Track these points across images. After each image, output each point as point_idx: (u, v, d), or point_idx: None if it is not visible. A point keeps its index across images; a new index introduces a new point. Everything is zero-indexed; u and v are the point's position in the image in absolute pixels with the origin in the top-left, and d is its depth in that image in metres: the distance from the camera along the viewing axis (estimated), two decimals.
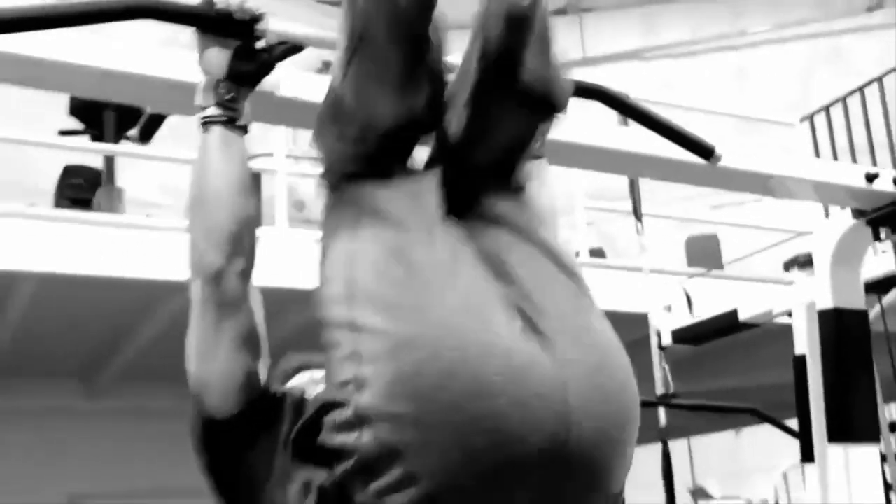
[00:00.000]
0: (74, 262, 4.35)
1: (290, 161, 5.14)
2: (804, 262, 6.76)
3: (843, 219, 2.75)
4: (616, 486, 1.41)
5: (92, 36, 1.76)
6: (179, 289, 4.60)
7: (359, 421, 1.31)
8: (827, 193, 2.66)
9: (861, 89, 6.41)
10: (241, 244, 1.59)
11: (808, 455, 3.17)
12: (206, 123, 1.64)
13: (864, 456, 2.74)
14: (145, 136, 1.88)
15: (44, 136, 5.49)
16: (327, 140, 1.56)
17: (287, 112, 1.92)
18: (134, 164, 6.47)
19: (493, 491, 1.30)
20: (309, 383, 1.72)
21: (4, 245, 4.16)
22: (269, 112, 1.87)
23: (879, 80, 6.30)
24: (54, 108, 5.86)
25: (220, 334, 1.57)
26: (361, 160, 1.51)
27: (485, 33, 1.53)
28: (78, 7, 1.63)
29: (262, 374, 1.64)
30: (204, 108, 1.65)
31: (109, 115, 5.73)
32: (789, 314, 3.40)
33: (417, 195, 1.50)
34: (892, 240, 2.67)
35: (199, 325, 1.58)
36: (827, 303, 2.77)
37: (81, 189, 5.60)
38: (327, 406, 1.39)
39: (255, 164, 6.13)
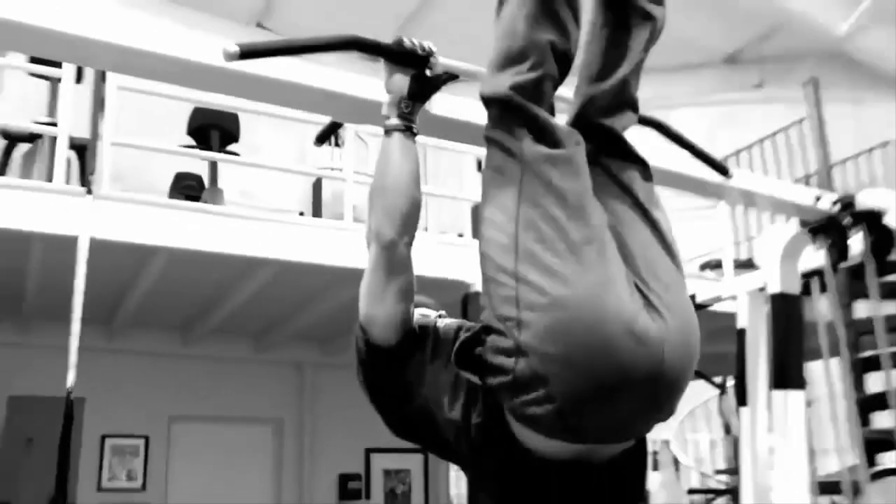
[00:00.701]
0: (193, 239, 4.35)
1: (355, 175, 5.16)
2: (715, 265, 6.92)
3: (790, 227, 2.83)
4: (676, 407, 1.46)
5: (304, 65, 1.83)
6: (261, 265, 4.69)
7: (518, 351, 1.34)
8: (784, 207, 2.73)
9: (761, 141, 6.60)
10: (410, 222, 1.59)
11: (742, 400, 3.27)
12: (389, 131, 1.65)
13: (797, 397, 2.83)
14: (321, 140, 1.88)
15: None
16: (500, 80, 1.51)
17: (436, 125, 1.92)
18: (221, 175, 6.47)
19: (603, 412, 1.34)
20: (428, 318, 1.72)
21: (144, 225, 4.16)
22: (423, 125, 1.88)
23: (773, 135, 6.48)
24: (173, 128, 5.88)
25: (388, 287, 1.57)
26: (529, 88, 1.49)
27: None
28: (310, 40, 1.67)
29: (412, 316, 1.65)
30: (388, 118, 1.66)
31: (215, 135, 5.76)
32: (733, 298, 3.48)
33: (576, 170, 1.47)
34: (825, 244, 2.75)
35: (372, 279, 1.59)
36: (776, 288, 2.86)
37: (193, 189, 5.60)
38: (489, 329, 1.41)
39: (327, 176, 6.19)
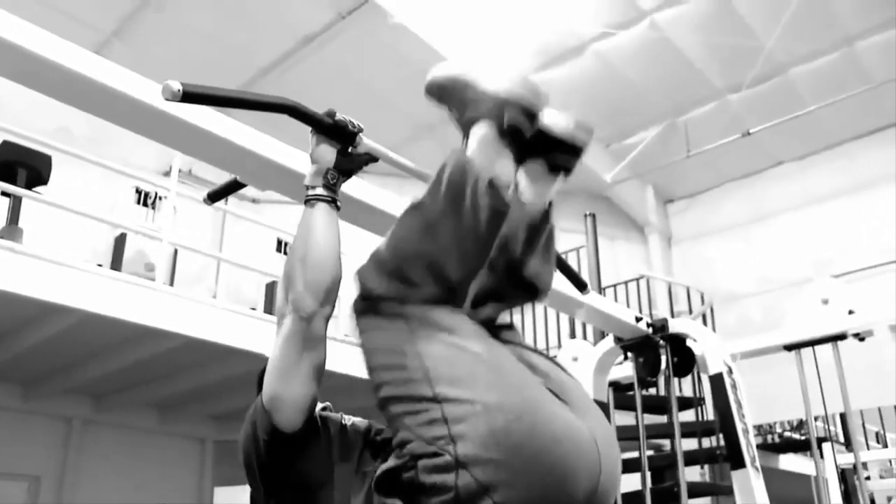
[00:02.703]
0: None
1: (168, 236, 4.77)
2: None
3: (606, 342, 2.91)
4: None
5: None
6: (58, 312, 4.17)
7: (458, 465, 1.18)
8: (609, 323, 2.81)
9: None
10: (331, 297, 1.42)
11: None
12: (312, 200, 1.50)
13: None
14: (213, 199, 1.62)
15: None
16: (380, 284, 1.30)
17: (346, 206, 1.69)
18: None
19: None
20: (331, 411, 1.54)
21: None
22: None
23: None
24: None
25: (301, 363, 1.38)
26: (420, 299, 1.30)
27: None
28: (250, 96, 1.50)
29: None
30: (312, 188, 1.51)
31: (22, 173, 5.10)
32: None
33: (462, 315, 1.33)
34: (635, 361, 2.86)
35: (284, 353, 1.39)
36: (590, 396, 2.91)
37: None
38: (417, 456, 1.23)
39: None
